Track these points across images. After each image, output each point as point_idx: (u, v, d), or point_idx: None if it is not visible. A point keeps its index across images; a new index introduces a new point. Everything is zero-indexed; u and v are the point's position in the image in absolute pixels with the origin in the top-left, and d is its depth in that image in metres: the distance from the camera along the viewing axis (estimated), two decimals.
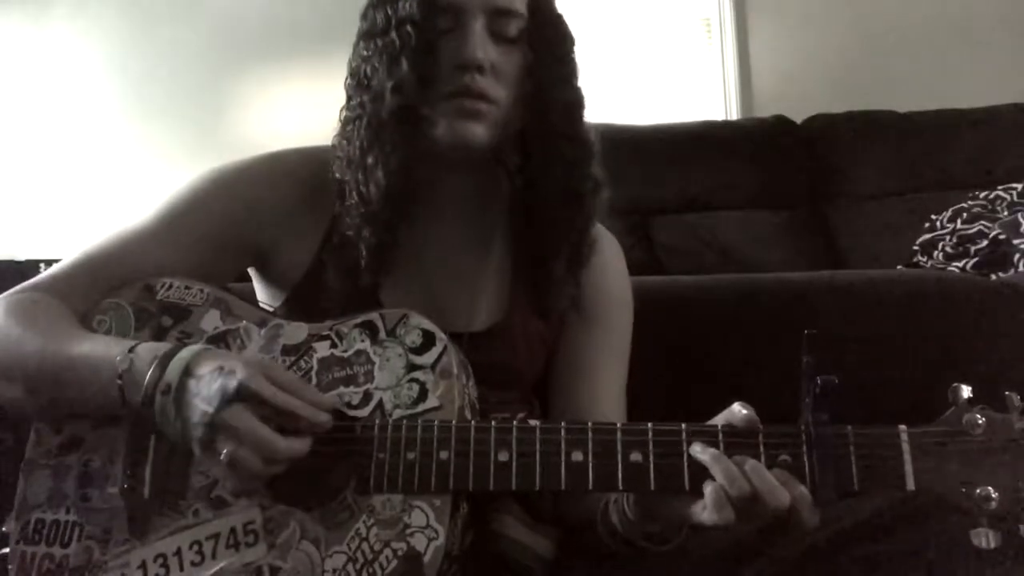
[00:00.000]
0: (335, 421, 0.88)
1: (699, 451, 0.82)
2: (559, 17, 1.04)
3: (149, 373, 0.85)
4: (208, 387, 0.83)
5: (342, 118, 1.03)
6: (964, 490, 0.78)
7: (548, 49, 1.01)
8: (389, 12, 0.98)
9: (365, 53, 1.00)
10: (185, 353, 0.86)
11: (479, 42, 0.96)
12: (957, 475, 0.78)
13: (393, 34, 0.97)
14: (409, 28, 0.96)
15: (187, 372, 0.85)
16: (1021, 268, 2.10)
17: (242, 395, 0.82)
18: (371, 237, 0.99)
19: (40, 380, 0.91)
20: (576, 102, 1.04)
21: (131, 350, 0.88)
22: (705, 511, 0.80)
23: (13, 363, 0.92)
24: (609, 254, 1.13)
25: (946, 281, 1.58)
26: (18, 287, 1.00)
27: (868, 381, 1.14)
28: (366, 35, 1.01)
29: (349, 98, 1.02)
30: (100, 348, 0.90)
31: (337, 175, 1.01)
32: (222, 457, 0.82)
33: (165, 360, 0.86)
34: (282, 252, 1.06)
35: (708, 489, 0.79)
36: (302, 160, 1.08)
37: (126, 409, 0.87)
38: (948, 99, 3.07)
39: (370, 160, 0.97)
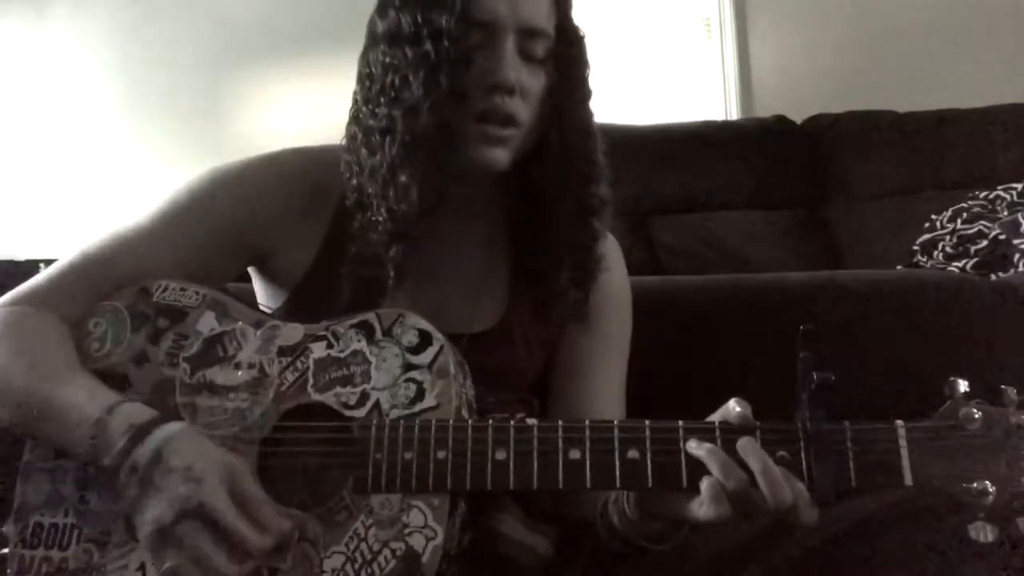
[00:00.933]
0: (333, 422, 0.88)
1: (695, 447, 0.82)
2: (581, 39, 1.04)
3: (120, 445, 0.83)
4: (171, 489, 0.80)
5: (360, 123, 1.00)
6: (961, 484, 0.78)
7: (570, 71, 1.01)
8: (420, 20, 0.95)
9: (389, 60, 0.97)
10: (160, 435, 0.83)
11: (512, 63, 0.96)
12: (954, 469, 0.78)
13: (428, 45, 0.94)
14: (446, 42, 0.93)
15: (158, 458, 0.82)
16: (1021, 268, 2.10)
17: (199, 513, 0.80)
18: (398, 255, 0.99)
19: (22, 417, 0.90)
20: (592, 123, 1.04)
21: (109, 410, 0.85)
22: (702, 507, 0.80)
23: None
24: (609, 255, 1.13)
25: (946, 281, 1.58)
26: (10, 296, 0.99)
27: (867, 381, 1.14)
28: (390, 39, 0.97)
29: (367, 101, 0.99)
30: (81, 399, 0.87)
31: (353, 182, 1.00)
32: (165, 568, 0.80)
33: (139, 436, 0.83)
34: (282, 253, 1.05)
35: (704, 484, 0.79)
36: (302, 160, 1.08)
37: (94, 462, 0.86)
38: (948, 99, 3.07)
39: (403, 178, 0.95)
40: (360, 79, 1.02)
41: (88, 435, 0.84)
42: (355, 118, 1.01)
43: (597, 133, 1.04)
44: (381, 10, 1.00)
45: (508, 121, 0.97)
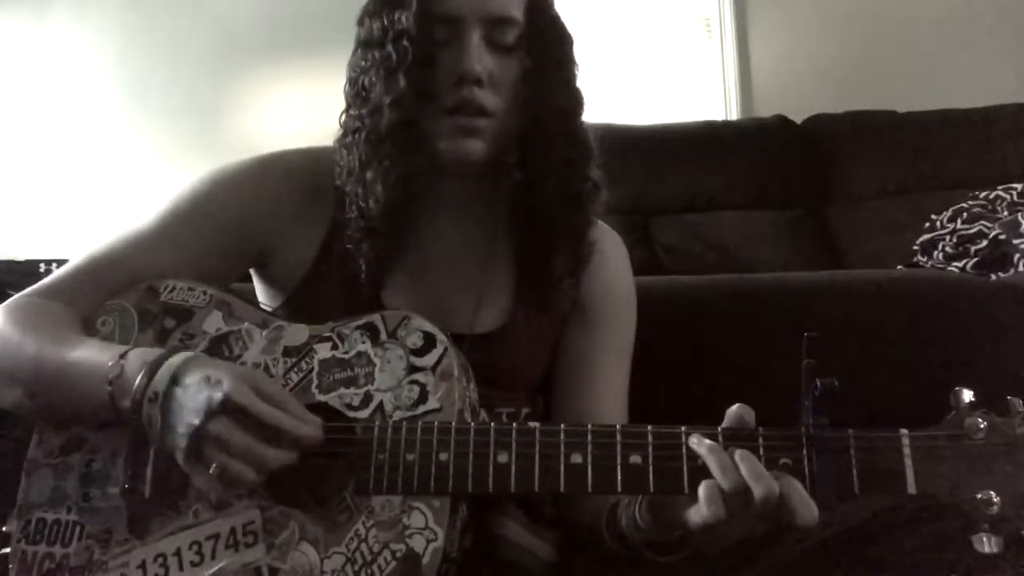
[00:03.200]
0: (335, 423, 0.88)
1: (696, 443, 0.81)
2: (556, 19, 1.04)
3: (137, 380, 0.85)
4: (194, 398, 0.82)
5: (342, 124, 1.03)
6: (966, 494, 0.77)
7: (546, 54, 1.01)
8: (385, 23, 0.98)
9: (363, 64, 1.00)
10: (174, 360, 0.85)
11: (477, 54, 0.96)
12: (958, 479, 0.78)
13: (390, 47, 0.96)
14: (405, 42, 0.95)
15: (174, 381, 0.84)
16: (1021, 268, 2.09)
17: (227, 407, 0.81)
18: (370, 251, 1.00)
19: (37, 384, 0.91)
20: (574, 105, 1.04)
21: (122, 356, 0.87)
22: (699, 510, 0.79)
23: (12, 367, 0.92)
24: (614, 253, 1.13)
25: (946, 281, 1.58)
26: (22, 292, 1.00)
27: (868, 381, 1.14)
28: (364, 45, 1.01)
29: (348, 106, 1.03)
30: (93, 353, 0.89)
31: (337, 182, 1.02)
32: (212, 469, 0.82)
33: (154, 367, 0.85)
34: (283, 252, 1.06)
35: (702, 486, 0.79)
36: (303, 160, 1.09)
37: (116, 415, 0.87)
38: (948, 99, 3.07)
39: (369, 175, 0.97)
40: (345, 84, 1.04)
41: (105, 382, 0.86)
42: (341, 121, 1.04)
43: (581, 116, 1.04)
44: (361, 19, 1.03)
45: (479, 112, 0.97)
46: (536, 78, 1.00)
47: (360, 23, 1.03)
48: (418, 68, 0.95)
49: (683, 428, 0.83)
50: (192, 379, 0.84)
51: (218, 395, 0.81)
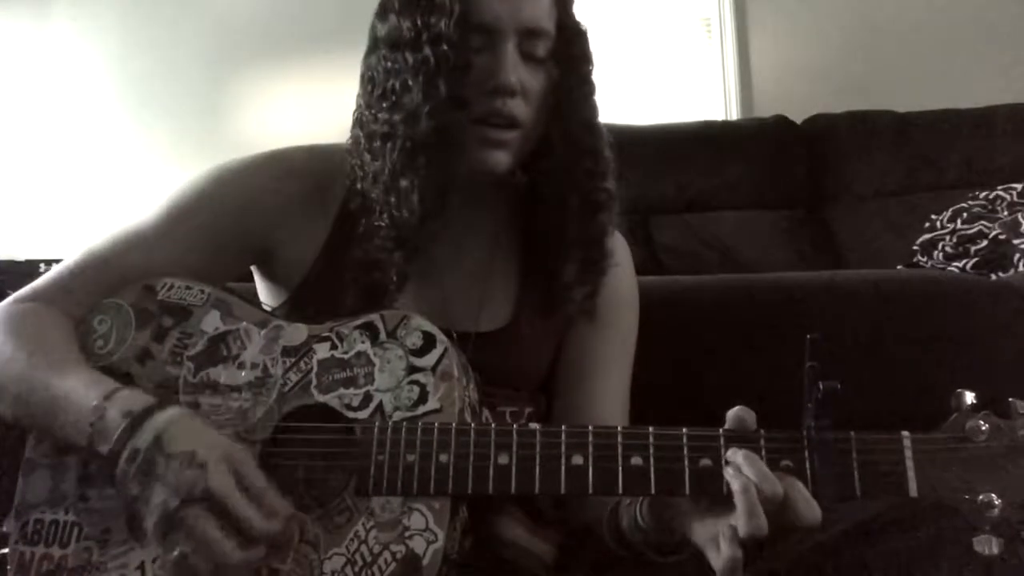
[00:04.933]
0: (336, 423, 0.88)
1: (734, 468, 0.79)
2: (584, 35, 1.04)
3: (118, 433, 0.82)
4: (175, 475, 0.80)
5: (363, 126, 1.01)
6: (967, 496, 0.77)
7: (573, 67, 1.01)
8: (419, 24, 0.95)
9: (390, 65, 0.97)
10: (159, 420, 0.83)
11: (512, 66, 0.95)
12: (960, 482, 0.78)
13: (427, 51, 0.94)
14: (445, 47, 0.93)
15: (158, 444, 0.81)
16: (1021, 268, 2.10)
17: (207, 498, 0.79)
18: (400, 261, 0.99)
19: (21, 407, 0.90)
20: (596, 118, 1.04)
21: (108, 397, 0.85)
22: (720, 555, 0.77)
23: (1, 383, 0.92)
24: (621, 255, 1.13)
25: (946, 281, 1.58)
26: (17, 294, 0.99)
27: (867, 381, 1.14)
28: (391, 44, 0.98)
29: (369, 105, 1.00)
30: (80, 388, 0.87)
31: (358, 186, 1.00)
32: (173, 556, 0.79)
33: (137, 422, 0.82)
34: (285, 250, 1.05)
35: (722, 537, 0.77)
36: (306, 157, 1.08)
37: (92, 458, 0.85)
38: (948, 99, 3.07)
39: (404, 183, 0.95)
40: (362, 82, 1.02)
41: (87, 422, 0.84)
42: (358, 121, 1.02)
43: (602, 127, 1.04)
44: (382, 14, 1.01)
45: (510, 123, 0.97)
46: (562, 90, 1.00)
47: (382, 19, 1.00)
48: (457, 75, 0.94)
49: (684, 430, 0.83)
50: (175, 449, 0.81)
51: (200, 483, 0.79)
